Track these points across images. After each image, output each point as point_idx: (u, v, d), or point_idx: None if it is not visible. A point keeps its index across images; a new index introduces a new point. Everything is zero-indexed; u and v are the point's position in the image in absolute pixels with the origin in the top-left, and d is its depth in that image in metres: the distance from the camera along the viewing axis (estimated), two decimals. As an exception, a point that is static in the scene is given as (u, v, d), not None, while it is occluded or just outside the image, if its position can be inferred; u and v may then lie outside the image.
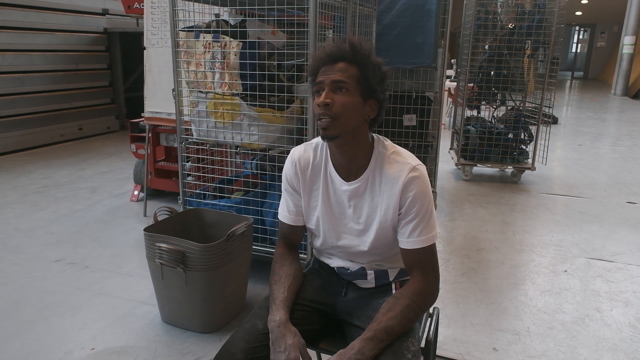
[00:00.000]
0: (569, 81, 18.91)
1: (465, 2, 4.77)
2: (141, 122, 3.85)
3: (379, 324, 1.20)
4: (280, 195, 1.48)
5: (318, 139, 1.40)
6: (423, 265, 1.28)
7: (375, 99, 1.27)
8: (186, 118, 2.68)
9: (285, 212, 1.45)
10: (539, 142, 4.69)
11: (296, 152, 1.41)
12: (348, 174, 1.33)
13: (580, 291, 2.68)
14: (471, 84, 4.81)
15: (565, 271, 2.92)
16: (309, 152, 1.39)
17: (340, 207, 1.36)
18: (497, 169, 5.13)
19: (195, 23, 2.57)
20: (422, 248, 1.27)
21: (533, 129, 4.73)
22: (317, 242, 1.45)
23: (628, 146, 6.61)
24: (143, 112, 3.66)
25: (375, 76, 1.25)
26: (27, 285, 2.65)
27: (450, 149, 5.51)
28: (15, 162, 5.33)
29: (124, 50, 7.16)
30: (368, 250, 1.36)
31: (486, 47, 4.65)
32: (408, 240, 1.28)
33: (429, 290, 1.28)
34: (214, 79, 2.46)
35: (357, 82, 1.23)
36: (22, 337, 2.19)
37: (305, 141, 1.47)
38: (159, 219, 2.34)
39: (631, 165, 5.52)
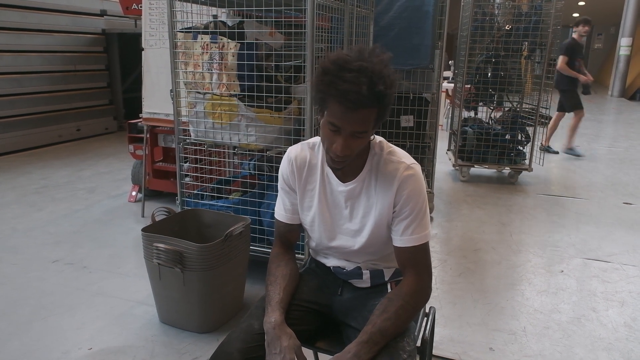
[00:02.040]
0: (566, 82, 18.93)
1: (462, 4, 4.79)
2: (139, 123, 3.86)
3: (373, 326, 1.20)
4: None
5: (315, 139, 1.40)
6: (416, 264, 1.29)
7: (380, 121, 1.24)
8: (184, 119, 2.68)
9: (281, 211, 1.45)
10: (536, 143, 4.71)
11: (293, 151, 1.41)
12: (344, 175, 1.34)
13: (577, 291, 2.69)
14: (468, 85, 4.82)
15: (562, 271, 2.93)
16: (305, 151, 1.39)
17: (337, 207, 1.37)
18: (495, 170, 5.15)
19: (193, 24, 2.57)
20: (416, 246, 1.28)
21: (530, 130, 4.75)
22: (313, 242, 1.46)
23: (625, 147, 6.64)
24: (141, 113, 3.67)
25: (390, 106, 1.20)
26: (25, 285, 2.65)
27: (448, 150, 5.53)
28: (14, 162, 5.32)
29: (122, 51, 7.16)
30: (361, 248, 1.36)
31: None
32: (401, 238, 1.29)
33: (422, 290, 1.29)
34: (211, 80, 2.47)
35: (374, 123, 1.20)
36: (20, 337, 2.19)
37: (300, 142, 1.47)
38: (157, 219, 2.34)
39: (627, 167, 5.54)
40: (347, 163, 1.25)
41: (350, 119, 1.15)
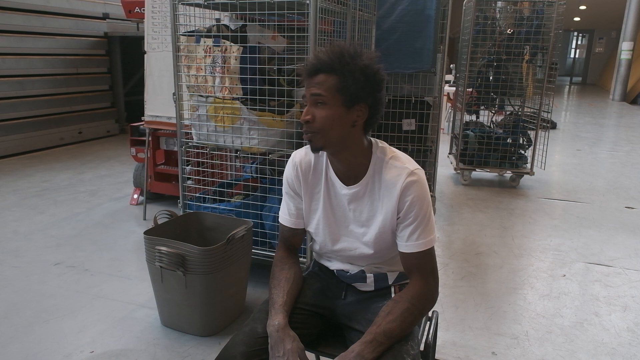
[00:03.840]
0: (567, 86, 18.97)
1: (464, 8, 4.80)
2: (141, 126, 3.86)
3: (378, 327, 1.20)
4: (280, 199, 1.49)
5: None
6: (422, 269, 1.29)
7: (363, 102, 1.25)
8: (186, 122, 2.69)
9: (285, 215, 1.45)
10: (537, 147, 4.71)
11: (297, 155, 1.41)
12: (347, 179, 1.34)
13: (579, 296, 2.68)
14: (470, 89, 4.83)
15: (564, 276, 2.92)
16: (310, 155, 1.39)
17: (342, 210, 1.37)
18: (496, 174, 5.15)
19: (196, 28, 2.58)
20: (421, 251, 1.28)
21: (532, 134, 4.75)
22: (317, 246, 1.46)
23: (626, 151, 6.63)
24: (143, 116, 3.67)
25: (358, 81, 1.21)
26: (26, 289, 2.65)
27: (449, 153, 5.53)
28: (15, 165, 5.33)
29: (124, 55, 7.18)
30: (366, 252, 1.36)
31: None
32: (407, 244, 1.29)
33: (429, 294, 1.28)
34: (214, 83, 2.47)
35: (336, 92, 1.21)
36: (21, 340, 2.19)
37: (305, 145, 1.47)
38: (159, 222, 2.34)
39: (629, 170, 5.54)
40: (319, 141, 1.24)
41: (310, 84, 1.24)
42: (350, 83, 1.21)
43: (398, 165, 1.29)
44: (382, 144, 1.35)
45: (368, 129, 1.31)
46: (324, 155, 1.38)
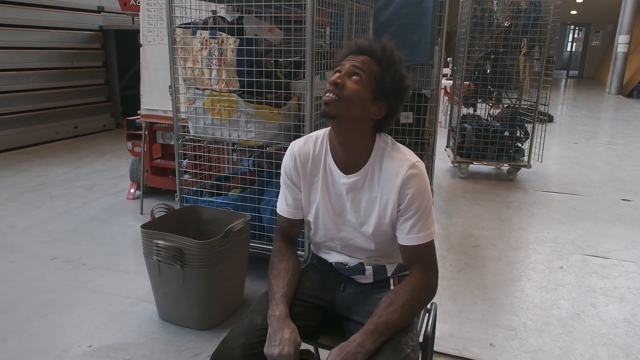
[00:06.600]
0: (564, 80, 18.99)
1: (461, 1, 4.78)
2: (137, 120, 3.84)
3: (379, 318, 1.20)
4: (278, 192, 1.48)
5: (319, 131, 1.40)
6: (422, 261, 1.29)
7: (386, 103, 1.28)
8: (183, 115, 2.67)
9: (283, 206, 1.45)
10: (534, 140, 4.72)
11: (296, 145, 1.41)
12: (347, 167, 1.34)
13: (576, 287, 2.70)
14: (467, 82, 4.82)
15: (561, 267, 2.93)
16: (309, 144, 1.39)
17: (339, 199, 1.36)
18: (493, 167, 5.15)
19: (192, 20, 2.56)
20: (421, 244, 1.28)
21: (529, 127, 4.76)
22: (316, 236, 1.45)
23: (623, 144, 6.65)
24: (139, 110, 3.65)
25: (394, 83, 1.27)
26: (24, 284, 2.64)
27: (447, 146, 5.53)
28: (10, 160, 5.30)
29: (120, 48, 7.13)
30: (366, 245, 1.36)
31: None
32: (407, 237, 1.29)
33: (429, 286, 1.29)
34: (210, 76, 2.46)
35: (373, 79, 1.26)
36: (19, 335, 2.18)
37: (303, 135, 1.47)
38: (156, 216, 2.33)
39: (626, 163, 5.55)
40: (336, 108, 1.23)
41: (353, 59, 1.28)
42: (388, 80, 1.27)
43: (399, 157, 1.29)
44: (385, 136, 1.35)
45: (378, 129, 1.33)
46: (323, 143, 1.37)
